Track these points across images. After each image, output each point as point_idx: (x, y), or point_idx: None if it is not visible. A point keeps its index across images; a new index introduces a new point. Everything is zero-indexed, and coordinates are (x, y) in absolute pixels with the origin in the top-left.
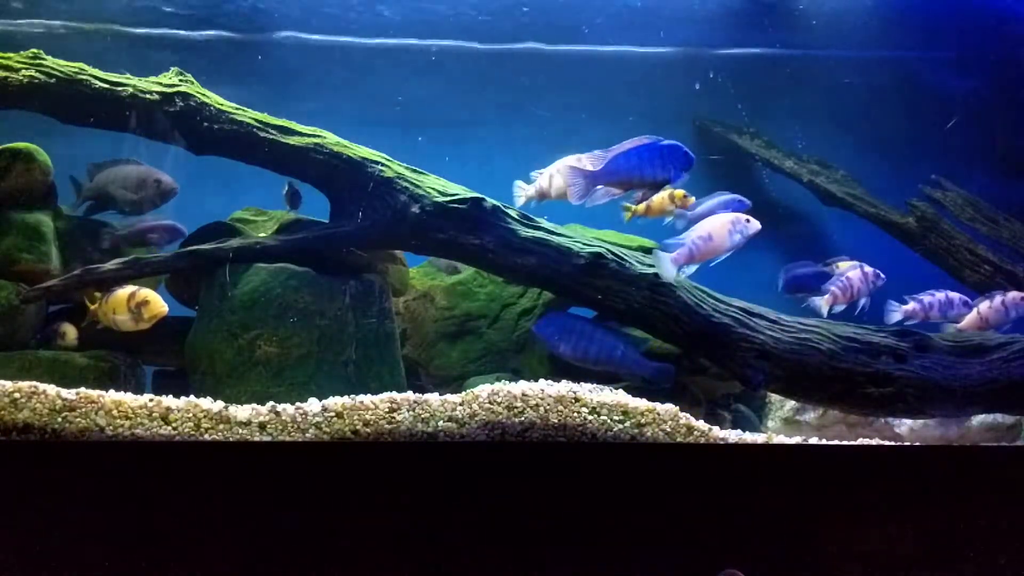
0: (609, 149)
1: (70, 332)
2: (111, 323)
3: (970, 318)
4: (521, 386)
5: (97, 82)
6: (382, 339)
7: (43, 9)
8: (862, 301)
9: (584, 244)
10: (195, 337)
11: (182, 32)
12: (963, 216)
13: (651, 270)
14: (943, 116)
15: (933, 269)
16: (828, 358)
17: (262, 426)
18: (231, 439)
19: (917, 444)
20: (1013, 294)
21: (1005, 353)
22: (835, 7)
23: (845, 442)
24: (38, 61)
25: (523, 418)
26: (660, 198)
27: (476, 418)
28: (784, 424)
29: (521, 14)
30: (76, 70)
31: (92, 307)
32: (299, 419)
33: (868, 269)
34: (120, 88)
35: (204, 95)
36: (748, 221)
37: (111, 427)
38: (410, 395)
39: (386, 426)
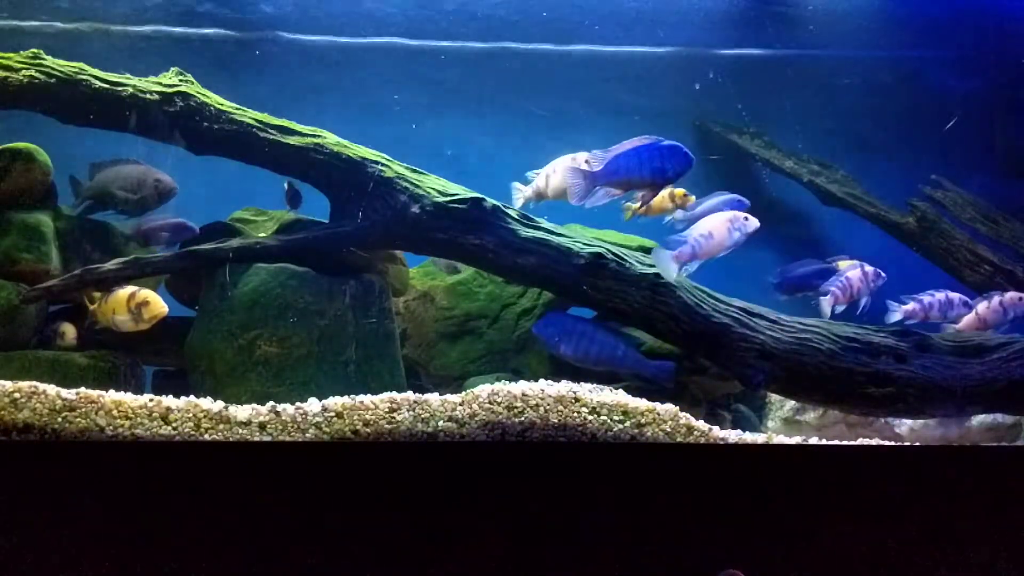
0: (609, 149)
1: (69, 332)
2: (110, 323)
3: (968, 319)
4: (521, 386)
5: (97, 82)
6: (382, 339)
7: (43, 9)
8: (863, 301)
9: (584, 244)
10: (195, 337)
11: (180, 30)
12: (963, 216)
13: (651, 270)
14: (943, 116)
15: (933, 269)
16: (828, 358)
17: (262, 426)
18: (231, 439)
19: (917, 444)
20: (1011, 294)
21: (1005, 353)
22: (835, 7)
23: (845, 442)
24: (38, 61)
25: (523, 418)
26: (660, 197)
27: (476, 418)
28: (784, 424)
29: (521, 14)
30: (76, 70)
31: (92, 307)
32: (299, 419)
33: (868, 268)
34: (120, 88)
35: (204, 95)
36: (747, 219)
37: (111, 427)
38: (410, 395)
39: (386, 426)
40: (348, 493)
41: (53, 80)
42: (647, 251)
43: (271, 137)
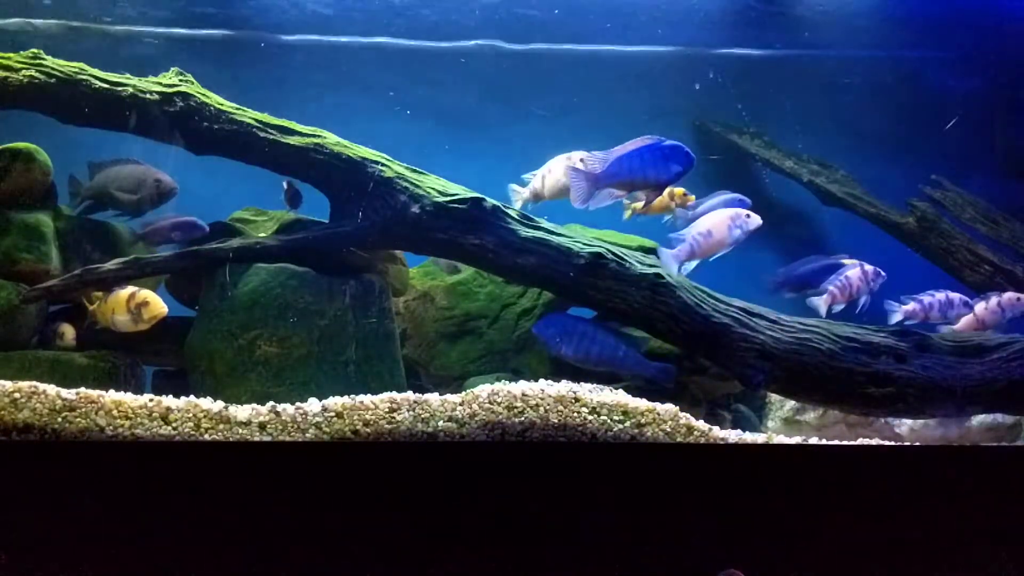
0: (610, 151)
1: (68, 332)
2: (110, 323)
3: (966, 319)
4: (521, 386)
5: (97, 82)
6: (382, 339)
7: (43, 9)
8: (862, 300)
9: (584, 244)
10: (195, 337)
11: (180, 31)
12: (963, 216)
13: (651, 270)
14: (943, 116)
15: (934, 269)
16: (828, 358)
17: (262, 426)
18: (231, 439)
19: (917, 444)
20: (1009, 295)
21: (1005, 353)
22: (835, 7)
23: (845, 442)
24: (38, 61)
25: (523, 418)
26: (660, 196)
27: (476, 418)
28: (784, 424)
29: (521, 14)
30: (76, 70)
31: (91, 307)
32: (299, 419)
33: (868, 268)
34: (120, 88)
35: (204, 95)
36: (748, 216)
37: (111, 427)
38: (410, 395)
39: (386, 426)
40: (348, 493)
41: (53, 80)
42: (647, 251)
43: (271, 137)
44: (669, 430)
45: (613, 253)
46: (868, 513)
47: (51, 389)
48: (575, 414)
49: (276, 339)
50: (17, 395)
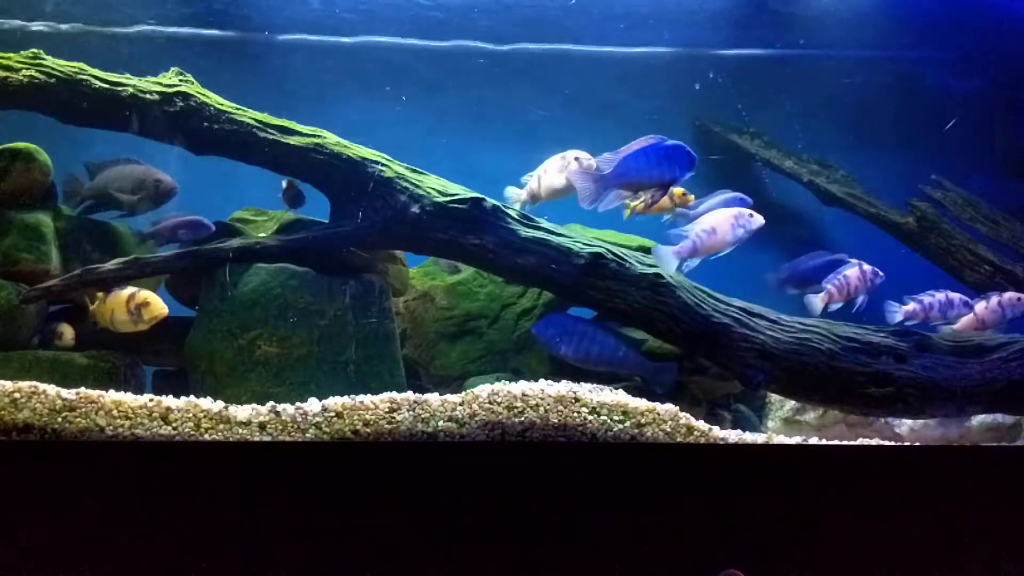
0: (616, 151)
1: (67, 332)
2: (109, 323)
3: (966, 319)
4: (521, 386)
5: (97, 82)
6: (382, 339)
7: (43, 9)
8: (860, 299)
9: (584, 244)
10: (195, 337)
11: (175, 30)
12: (963, 216)
13: (651, 270)
14: (943, 116)
15: (933, 269)
16: (828, 358)
17: (262, 426)
18: (231, 439)
19: (917, 444)
20: (1009, 295)
21: (1005, 353)
22: (835, 7)
23: (845, 442)
24: (38, 61)
25: (523, 418)
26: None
27: (476, 418)
28: (784, 424)
29: (522, 14)
30: (76, 70)
31: (91, 307)
32: (299, 419)
33: (867, 267)
34: (120, 88)
35: (204, 95)
36: (752, 215)
37: (111, 427)
38: (410, 395)
39: (386, 426)
40: (348, 493)
41: (53, 80)
42: (647, 251)
43: (271, 137)
44: (669, 430)
45: (613, 253)
46: (868, 513)
47: (51, 389)
48: (575, 414)
49: (276, 339)
50: (17, 395)
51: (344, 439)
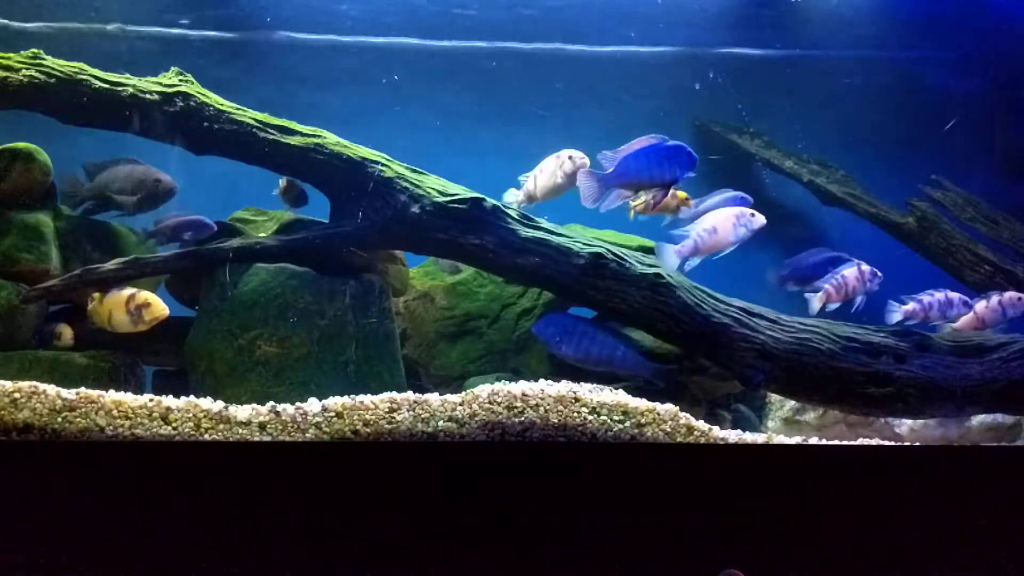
0: (617, 150)
1: (66, 332)
2: (106, 324)
3: (966, 318)
4: (521, 386)
5: (97, 82)
6: (382, 339)
7: (43, 9)
8: (858, 300)
9: (584, 244)
10: (195, 337)
11: (177, 31)
12: (963, 216)
13: (651, 270)
14: (943, 116)
15: (933, 269)
16: (828, 358)
17: (262, 426)
18: (231, 439)
19: (917, 444)
20: (1009, 294)
21: (1005, 353)
22: (835, 7)
23: (845, 442)
24: (38, 61)
25: (523, 418)
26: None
27: (476, 418)
28: (784, 424)
29: (522, 14)
30: (76, 70)
31: (88, 307)
32: (299, 419)
33: (865, 267)
34: (120, 88)
35: (204, 95)
36: (753, 215)
37: (111, 427)
38: (410, 395)
39: (386, 426)
40: (348, 493)
41: (53, 80)
42: (647, 251)
43: (271, 137)
44: (669, 430)
45: (613, 253)
46: (868, 513)
47: (51, 389)
48: (575, 414)
49: (276, 339)
50: (17, 395)
51: (344, 439)
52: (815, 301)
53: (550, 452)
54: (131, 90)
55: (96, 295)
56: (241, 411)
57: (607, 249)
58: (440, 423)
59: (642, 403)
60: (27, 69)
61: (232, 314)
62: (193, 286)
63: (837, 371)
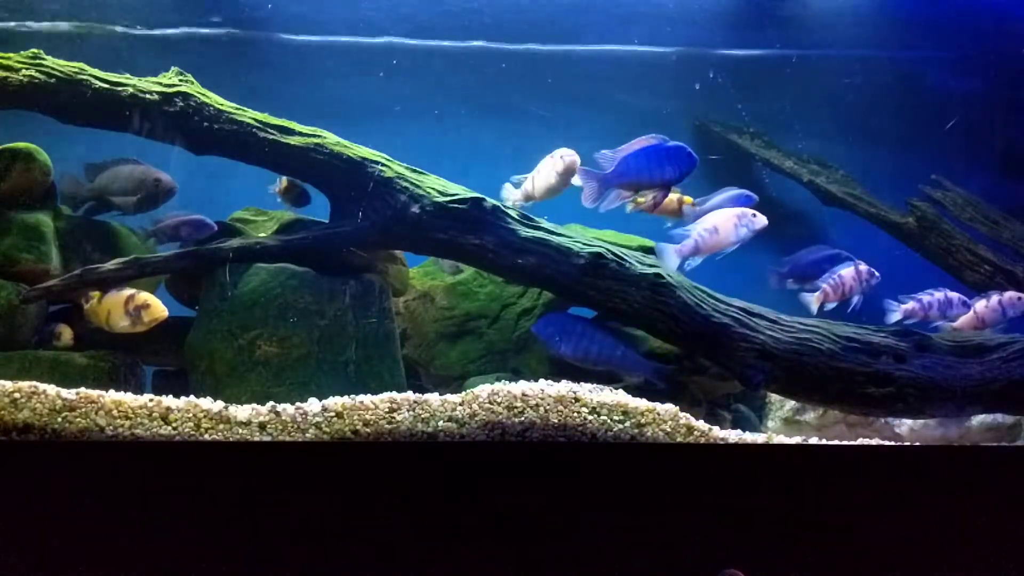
0: (617, 150)
1: (65, 332)
2: (104, 324)
3: (966, 318)
4: (521, 386)
5: (97, 82)
6: (382, 339)
7: (44, 9)
8: (855, 299)
9: (584, 244)
10: (195, 337)
11: (175, 31)
12: (963, 216)
13: (651, 270)
14: (943, 116)
15: (933, 269)
16: (828, 358)
17: (262, 426)
18: (231, 439)
19: (917, 444)
20: (1009, 294)
21: (1005, 353)
22: (835, 7)
23: (845, 442)
24: (38, 61)
25: (523, 418)
26: (668, 200)
27: (476, 418)
28: (784, 424)
29: (522, 14)
30: (76, 70)
31: (86, 306)
32: (299, 419)
33: (862, 267)
34: (120, 88)
35: (204, 95)
36: (755, 216)
37: (111, 427)
38: (410, 395)
39: (386, 426)
40: (348, 493)
41: (53, 80)
42: (647, 251)
43: (271, 137)
44: (669, 430)
45: (613, 253)
46: (868, 513)
47: (51, 389)
48: (575, 414)
49: (276, 339)
50: (17, 395)
51: (344, 439)
52: (813, 300)
53: (550, 452)
54: (131, 90)
55: (95, 294)
56: (241, 411)
57: (607, 249)
58: (440, 423)
59: (642, 403)
60: (27, 69)
61: (232, 314)
62: (193, 286)
63: (837, 371)
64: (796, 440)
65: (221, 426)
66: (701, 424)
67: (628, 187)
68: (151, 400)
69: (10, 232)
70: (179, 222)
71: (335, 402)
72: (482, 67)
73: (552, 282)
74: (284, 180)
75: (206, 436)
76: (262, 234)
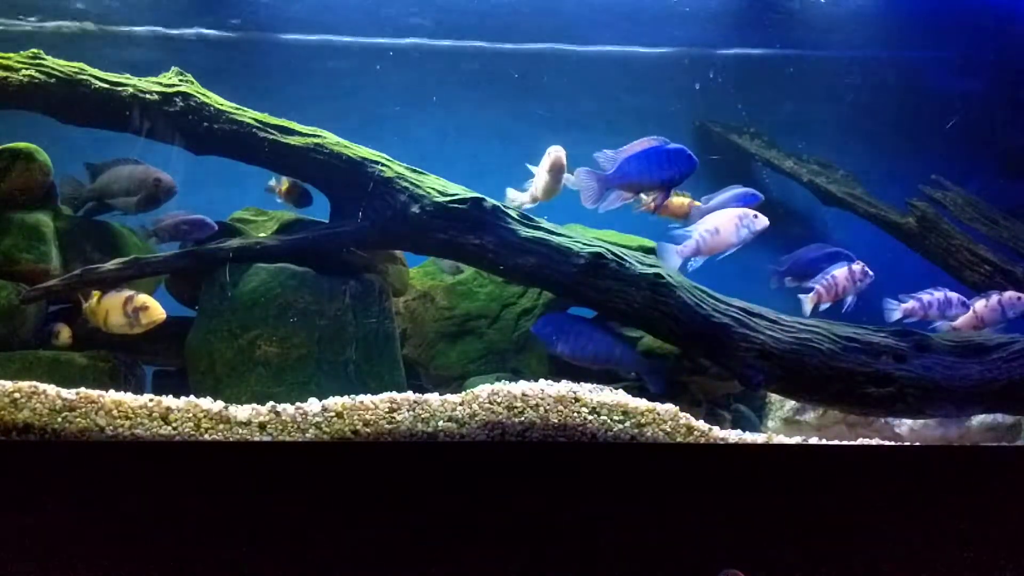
0: (618, 151)
1: (64, 332)
2: (102, 324)
3: (966, 317)
4: (521, 386)
5: (97, 82)
6: (382, 339)
7: (43, 9)
8: (848, 299)
9: (584, 244)
10: (195, 337)
11: (174, 31)
12: (963, 216)
13: (651, 270)
14: (943, 116)
15: (933, 269)
16: (828, 358)
17: (262, 426)
18: (231, 439)
19: (917, 444)
20: (1009, 294)
21: (1005, 353)
22: (836, 7)
23: (845, 442)
24: (38, 61)
25: (523, 418)
26: (679, 203)
27: (476, 418)
28: (784, 424)
29: (522, 14)
30: (76, 70)
31: (84, 307)
32: (299, 419)
33: (856, 267)
34: (120, 88)
35: (204, 95)
36: (756, 217)
37: (111, 427)
38: (410, 395)
39: (386, 426)
40: (348, 493)
41: (53, 80)
42: (647, 251)
43: (271, 137)
44: (669, 430)
45: (613, 253)
46: (868, 513)
47: (51, 389)
48: (575, 414)
49: (276, 339)
50: (17, 395)
51: (344, 439)
52: (807, 301)
53: (550, 452)
54: (131, 90)
55: (95, 294)
56: (241, 411)
57: (607, 249)
58: (440, 423)
59: (642, 403)
60: (27, 69)
61: (232, 314)
62: (193, 286)
63: (837, 371)
64: (796, 440)
65: (221, 426)
66: (701, 424)
67: (629, 188)
68: (151, 400)
69: (10, 232)
70: (179, 221)
71: (335, 402)
72: (482, 67)
73: (552, 282)
74: (285, 180)
75: (206, 436)
76: (262, 234)
